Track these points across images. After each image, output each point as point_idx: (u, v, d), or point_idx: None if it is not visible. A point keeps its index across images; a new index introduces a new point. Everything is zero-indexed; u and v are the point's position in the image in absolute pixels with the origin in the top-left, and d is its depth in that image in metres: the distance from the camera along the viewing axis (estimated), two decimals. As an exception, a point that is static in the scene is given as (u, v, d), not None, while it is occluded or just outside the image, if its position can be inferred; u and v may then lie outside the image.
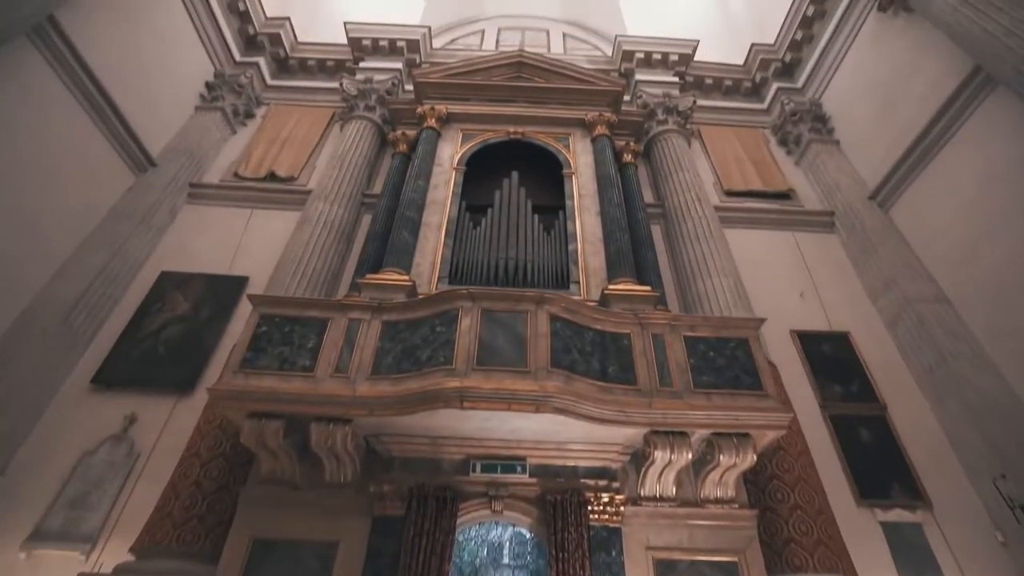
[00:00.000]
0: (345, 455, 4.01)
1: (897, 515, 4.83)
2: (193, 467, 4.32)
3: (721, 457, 3.92)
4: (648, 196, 7.87)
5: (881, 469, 5.10)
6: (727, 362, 4.20)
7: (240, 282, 6.27)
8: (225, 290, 6.22)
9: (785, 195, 8.03)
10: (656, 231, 7.33)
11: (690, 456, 3.95)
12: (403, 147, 7.86)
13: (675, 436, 3.96)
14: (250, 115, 8.82)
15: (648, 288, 5.45)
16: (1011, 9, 5.12)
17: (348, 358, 4.11)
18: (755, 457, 3.95)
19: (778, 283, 6.79)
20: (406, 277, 5.48)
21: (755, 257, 7.02)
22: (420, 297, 4.83)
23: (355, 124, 8.19)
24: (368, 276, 5.43)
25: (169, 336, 5.78)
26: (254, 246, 6.87)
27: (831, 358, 6.05)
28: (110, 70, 6.42)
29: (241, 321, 5.18)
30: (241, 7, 8.73)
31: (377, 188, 7.71)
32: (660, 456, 3.94)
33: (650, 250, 6.62)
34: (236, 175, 7.76)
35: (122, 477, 4.72)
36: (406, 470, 4.23)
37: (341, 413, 3.89)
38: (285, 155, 8.10)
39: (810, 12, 8.62)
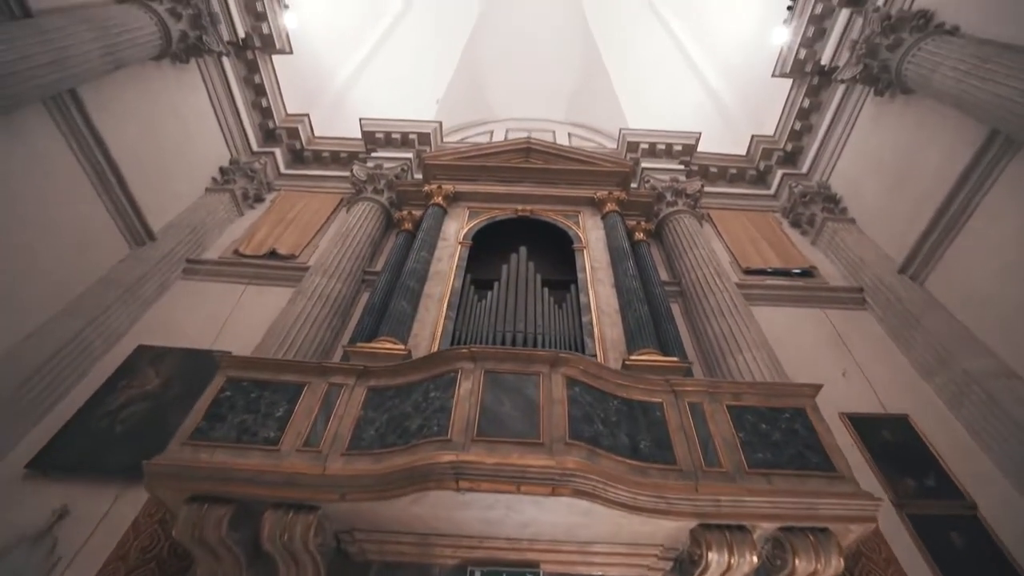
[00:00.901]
0: (306, 556, 3.13)
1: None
2: (116, 575, 3.40)
3: (797, 562, 2.99)
4: (663, 275, 7.48)
5: (989, 586, 4.01)
6: (784, 437, 3.44)
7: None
8: (202, 366, 5.57)
9: (807, 273, 7.62)
10: (674, 309, 6.82)
11: (755, 559, 3.03)
12: (408, 225, 7.70)
13: (732, 531, 3.08)
14: (260, 199, 8.87)
15: (675, 359, 4.81)
16: (1020, 73, 5.09)
17: (322, 429, 3.41)
18: (841, 561, 3.01)
19: (815, 361, 6.11)
20: (401, 346, 4.91)
21: (785, 334, 6.41)
22: (413, 359, 4.20)
23: (361, 205, 8.14)
24: (359, 344, 4.87)
25: (129, 415, 5.07)
26: (243, 322, 6.39)
27: (893, 445, 5.16)
28: (124, 146, 6.47)
29: (212, 397, 4.52)
30: (264, 103, 9.20)
31: (379, 266, 7.40)
32: (715, 560, 3.02)
33: (671, 324, 6.04)
34: (236, 252, 7.53)
35: (31, 589, 3.76)
36: (385, 579, 3.30)
37: (306, 497, 3.09)
38: (289, 235, 7.95)
39: (806, 104, 8.92)
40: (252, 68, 8.73)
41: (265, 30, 8.36)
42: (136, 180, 6.68)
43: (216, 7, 7.36)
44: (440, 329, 5.55)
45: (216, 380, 3.65)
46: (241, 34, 8.10)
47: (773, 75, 8.94)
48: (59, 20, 5.29)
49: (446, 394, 3.41)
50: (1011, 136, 5.39)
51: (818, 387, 3.82)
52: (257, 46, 8.48)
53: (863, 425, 5.33)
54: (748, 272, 7.62)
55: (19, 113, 5.16)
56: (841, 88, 8.11)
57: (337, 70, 10.68)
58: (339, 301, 6.44)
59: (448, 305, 5.89)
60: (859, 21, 7.41)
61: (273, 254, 7.53)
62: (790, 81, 8.88)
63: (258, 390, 3.62)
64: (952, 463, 4.96)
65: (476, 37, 11.46)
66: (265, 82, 9.01)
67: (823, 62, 8.21)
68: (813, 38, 8.21)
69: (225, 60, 8.09)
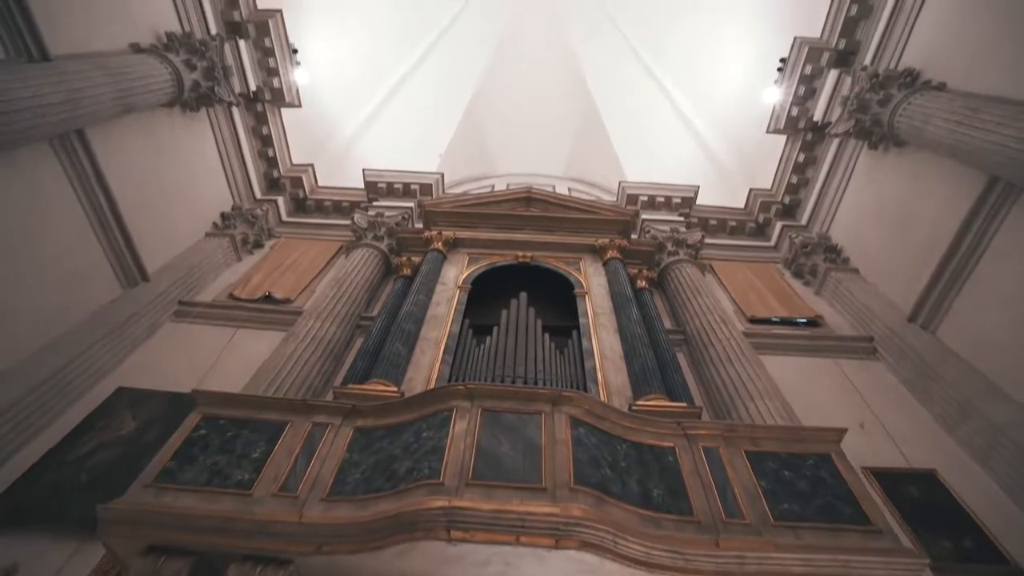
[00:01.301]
0: (274, 620, 2.73)
1: None
2: (56, 643, 2.97)
3: (834, 629, 2.61)
4: (666, 323, 7.30)
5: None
6: (810, 485, 3.13)
7: (202, 400, 5.36)
8: (183, 410, 5.13)
9: (814, 322, 7.45)
10: (680, 358, 6.58)
11: (786, 627, 2.64)
12: (407, 271, 7.61)
13: (760, 594, 2.71)
14: (259, 245, 8.84)
15: (683, 405, 4.53)
16: (1012, 121, 5.18)
17: (302, 472, 3.10)
18: (884, 630, 2.63)
19: (829, 412, 5.77)
20: (394, 389, 4.65)
21: (796, 384, 6.13)
22: (405, 398, 3.92)
23: (360, 251, 8.08)
24: (349, 386, 4.60)
25: (99, 461, 4.71)
26: (231, 365, 6.12)
27: (922, 502, 4.77)
28: (127, 187, 6.48)
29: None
30: (270, 153, 9.41)
31: (375, 311, 7.22)
32: (741, 627, 2.64)
33: (677, 373, 5.79)
34: (231, 296, 7.38)
35: (-42, 662, 3.28)
36: (363, 651, 2.87)
37: (278, 549, 2.75)
38: (285, 279, 7.84)
39: (801, 159, 9.11)
40: (261, 120, 8.99)
41: (276, 84, 8.68)
42: (136, 221, 6.64)
43: (230, 60, 7.66)
44: (436, 373, 5.29)
45: (190, 418, 3.38)
46: (252, 87, 8.39)
47: (767, 131, 9.19)
48: (75, 64, 5.44)
49: (439, 434, 3.13)
50: (1011, 181, 5.40)
51: (842, 431, 3.54)
52: (267, 99, 8.77)
53: (888, 481, 4.95)
54: (753, 321, 7.45)
55: (25, 149, 5.18)
56: (835, 142, 8.31)
57: (343, 123, 11.02)
58: (332, 345, 6.21)
59: (445, 349, 5.66)
60: (848, 80, 7.70)
61: (268, 298, 7.38)
62: (784, 136, 9.11)
63: (235, 429, 3.34)
64: (989, 522, 4.56)
65: (479, 95, 11.94)
66: (273, 133, 9.25)
67: (815, 118, 8.46)
68: (804, 96, 8.51)
69: (235, 110, 8.33)
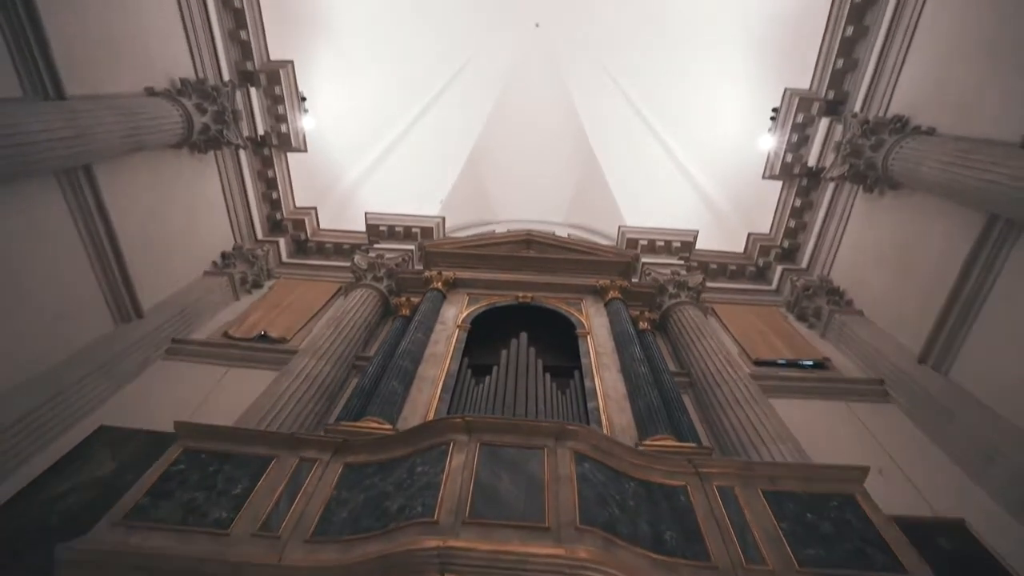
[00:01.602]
0: None
1: None
2: None
3: None
4: (670, 366, 7.11)
5: None
6: (836, 528, 2.89)
7: (187, 440, 5.10)
8: (165, 450, 4.99)
9: (821, 365, 7.27)
10: (685, 401, 6.36)
11: None
12: (406, 311, 7.51)
13: (789, 650, 2.42)
14: (258, 285, 8.78)
15: (693, 445, 4.30)
16: (1005, 160, 5.25)
17: (285, 511, 2.87)
18: None
19: (844, 457, 5.31)
20: (389, 427, 4.43)
21: (807, 428, 5.86)
22: (399, 432, 3.71)
23: (360, 291, 8.00)
24: (342, 423, 4.38)
25: (72, 504, 4.40)
26: (221, 405, 5.87)
27: (954, 554, 4.42)
28: (129, 224, 6.48)
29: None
30: (274, 196, 9.55)
31: (373, 352, 7.06)
32: None
33: (684, 414, 5.57)
34: (226, 335, 7.23)
35: None
36: None
37: (254, 595, 2.48)
38: (282, 318, 7.72)
39: (797, 203, 9.24)
40: (267, 163, 9.18)
41: (284, 129, 8.93)
42: (135, 258, 6.60)
43: (240, 105, 7.91)
44: (433, 412, 5.08)
45: (170, 451, 3.17)
46: (260, 131, 8.62)
47: (763, 177, 9.37)
48: (89, 104, 5.58)
49: (435, 469, 2.92)
50: (1010, 218, 5.41)
51: (865, 469, 3.32)
52: (274, 143, 8.99)
53: (914, 531, 4.50)
54: (758, 364, 7.26)
55: (30, 181, 5.21)
56: (831, 186, 8.44)
57: (347, 169, 11.28)
58: (326, 384, 6.00)
59: (443, 387, 5.48)
60: (839, 127, 7.92)
61: (263, 337, 7.23)
62: (780, 182, 9.28)
63: (217, 463, 3.13)
64: (1028, 578, 4.20)
65: (481, 143, 12.31)
66: (278, 177, 9.42)
67: (810, 164, 8.64)
68: (797, 144, 8.73)
69: (242, 153, 8.52)
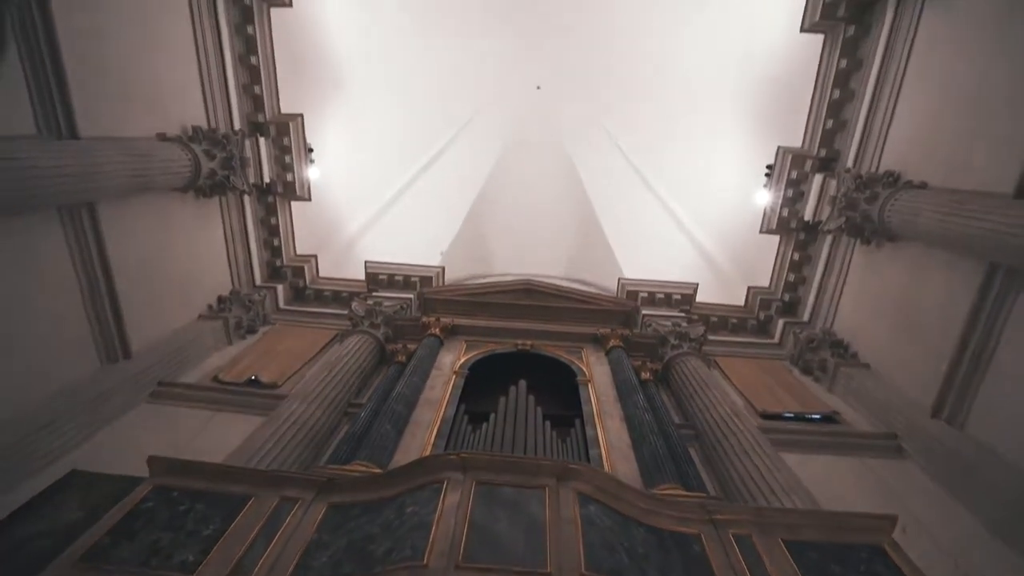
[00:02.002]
0: None
1: None
2: None
3: None
4: (674, 418, 6.86)
5: None
6: (865, 581, 2.61)
7: (162, 486, 4.77)
8: None
9: (830, 418, 7.01)
10: (692, 454, 6.06)
11: None
12: (402, 358, 7.36)
13: None
14: (252, 330, 8.62)
15: (702, 494, 4.02)
16: (1000, 209, 5.31)
17: (259, 554, 2.59)
18: None
19: None
20: (378, 471, 4.14)
21: (822, 484, 5.52)
22: (390, 470, 3.46)
23: (356, 337, 7.85)
24: (328, 466, 4.11)
25: (28, 553, 4.01)
26: (203, 450, 5.51)
27: (996, 628, 4.02)
28: (127, 264, 6.43)
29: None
30: (275, 243, 9.61)
31: (366, 399, 6.81)
32: None
33: (690, 465, 5.31)
34: (215, 379, 7.00)
35: None
36: None
37: (216, 650, 2.18)
38: (274, 364, 7.50)
39: (796, 257, 9.31)
40: (270, 210, 9.32)
41: (289, 178, 9.13)
42: (129, 297, 6.49)
43: (248, 153, 8.13)
44: (426, 459, 4.79)
45: (140, 487, 2.93)
46: (266, 179, 8.81)
47: (761, 232, 9.50)
48: (100, 144, 5.71)
49: (426, 509, 2.68)
50: (1013, 268, 5.39)
51: (893, 519, 3.07)
52: (279, 191, 9.16)
53: None
54: (765, 417, 7.00)
55: (31, 214, 5.22)
56: (828, 240, 8.53)
57: (349, 219, 11.44)
58: (315, 430, 5.71)
59: (438, 433, 5.23)
60: (833, 182, 8.13)
61: (254, 382, 6.99)
62: (778, 236, 9.39)
63: (190, 502, 2.87)
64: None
65: (482, 198, 12.60)
66: (280, 224, 9.54)
67: (806, 218, 8.78)
68: (793, 198, 8.92)
69: (246, 199, 8.65)
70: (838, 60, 7.82)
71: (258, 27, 8.05)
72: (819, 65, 8.08)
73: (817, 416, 7.03)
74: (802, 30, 7.99)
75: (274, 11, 8.27)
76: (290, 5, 8.33)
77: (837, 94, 8.02)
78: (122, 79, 6.19)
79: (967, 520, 5.22)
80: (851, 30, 7.65)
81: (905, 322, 7.03)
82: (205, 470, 3.18)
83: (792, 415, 7.02)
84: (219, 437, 5.80)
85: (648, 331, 8.71)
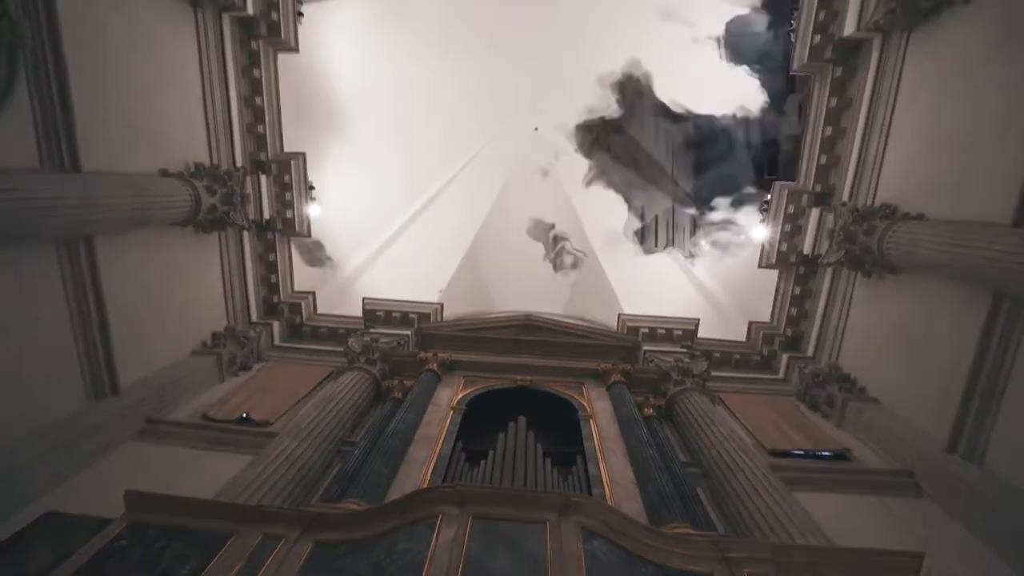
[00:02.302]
0: None
1: None
2: None
3: None
4: (679, 456, 6.60)
5: None
6: (897, 625, 2.39)
7: (141, 529, 4.51)
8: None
9: (842, 456, 6.75)
10: (699, 493, 5.79)
11: None
12: (398, 394, 7.16)
13: None
14: (246, 367, 8.44)
15: (713, 533, 3.78)
16: (1000, 238, 5.30)
17: (239, 596, 2.38)
18: None
19: None
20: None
21: (837, 524, 5.23)
22: (382, 504, 3.25)
23: (351, 373, 7.66)
24: (318, 504, 3.88)
25: (-7, 603, 3.76)
26: (188, 490, 5.21)
27: None
28: (121, 298, 6.35)
29: None
30: (273, 279, 9.58)
31: (360, 437, 6.57)
32: None
33: (698, 504, 5.04)
34: (205, 416, 6.78)
35: None
36: None
37: None
38: (267, 401, 7.29)
39: (797, 291, 9.26)
40: (269, 247, 9.33)
41: (289, 215, 9.20)
42: (121, 332, 6.37)
43: (249, 189, 8.22)
44: (421, 497, 4.55)
45: (114, 524, 2.74)
46: (266, 215, 8.88)
47: (759, 266, 9.51)
48: (101, 178, 5.76)
49: (419, 546, 2.49)
50: (1018, 296, 5.32)
51: (919, 555, 2.86)
52: (278, 228, 9.21)
53: None
54: (774, 454, 6.73)
55: (28, 246, 5.18)
56: (828, 273, 8.50)
57: (348, 256, 11.46)
58: (307, 468, 5.47)
59: (433, 471, 5.00)
60: (830, 216, 8.18)
61: (245, 419, 6.77)
62: (777, 271, 9.37)
63: (166, 540, 2.68)
64: None
65: (481, 236, 12.68)
66: (279, 261, 9.53)
67: (805, 251, 8.79)
68: (791, 233, 8.97)
69: (245, 235, 8.67)
70: (827, 99, 8.05)
71: (264, 70, 8.32)
72: (810, 104, 8.30)
73: (828, 453, 6.78)
74: (792, 72, 8.27)
75: (281, 56, 8.58)
76: (296, 50, 8.65)
77: (829, 131, 8.20)
78: (129, 116, 6.32)
79: (994, 563, 4.92)
80: (839, 71, 7.92)
81: (912, 355, 6.89)
82: (185, 505, 2.99)
83: (802, 453, 6.77)
84: (206, 476, 5.53)
85: (650, 367, 8.54)
